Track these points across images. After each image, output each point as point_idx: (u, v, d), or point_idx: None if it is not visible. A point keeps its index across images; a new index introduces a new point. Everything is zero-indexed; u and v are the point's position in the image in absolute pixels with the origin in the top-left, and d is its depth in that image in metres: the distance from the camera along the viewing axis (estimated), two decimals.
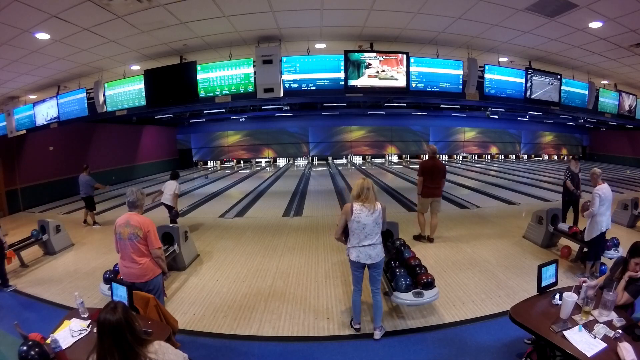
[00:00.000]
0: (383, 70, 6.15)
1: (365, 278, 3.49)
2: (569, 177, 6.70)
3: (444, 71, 6.50)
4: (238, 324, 3.74)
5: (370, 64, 6.09)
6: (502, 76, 6.91)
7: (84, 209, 8.42)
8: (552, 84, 7.36)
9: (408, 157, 24.22)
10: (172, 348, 1.92)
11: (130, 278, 3.15)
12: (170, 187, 6.86)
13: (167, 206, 6.95)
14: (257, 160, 23.39)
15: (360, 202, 3.30)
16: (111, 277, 3.88)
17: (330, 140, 23.22)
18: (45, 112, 8.12)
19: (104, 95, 7.18)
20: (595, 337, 2.32)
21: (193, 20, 5.15)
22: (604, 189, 4.47)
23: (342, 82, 6.15)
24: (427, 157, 6.30)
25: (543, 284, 2.92)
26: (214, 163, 23.46)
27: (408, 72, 6.24)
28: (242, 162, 23.50)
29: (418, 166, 6.28)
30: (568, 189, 6.68)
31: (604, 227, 4.47)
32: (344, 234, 3.47)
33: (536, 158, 25.58)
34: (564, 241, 5.72)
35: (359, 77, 6.10)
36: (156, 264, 3.24)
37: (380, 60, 6.14)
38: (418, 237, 6.35)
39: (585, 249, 4.84)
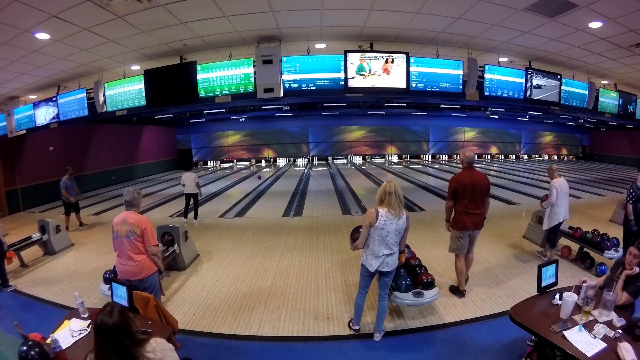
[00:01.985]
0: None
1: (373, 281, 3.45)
2: (632, 199, 4.99)
3: (444, 71, 6.50)
4: (238, 324, 3.74)
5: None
6: (502, 76, 6.91)
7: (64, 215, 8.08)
8: (550, 85, 7.36)
9: (408, 157, 24.25)
10: (167, 343, 1.92)
11: (126, 275, 3.16)
12: (190, 178, 7.99)
13: (191, 195, 8.07)
14: (256, 160, 23.37)
15: (385, 208, 3.05)
16: (111, 277, 3.88)
17: (330, 140, 23.23)
18: (45, 112, 8.12)
19: (104, 95, 7.18)
20: (595, 337, 2.32)
21: (193, 20, 5.15)
22: (559, 182, 5.02)
23: (342, 82, 6.15)
24: (461, 169, 4.16)
25: (543, 284, 2.92)
26: (214, 163, 23.46)
27: (408, 72, 6.24)
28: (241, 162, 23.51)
29: (448, 184, 4.19)
30: (628, 216, 5.05)
31: (561, 218, 5.01)
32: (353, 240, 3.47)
33: (537, 158, 25.57)
34: (564, 241, 5.72)
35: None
36: (152, 261, 3.25)
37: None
38: (455, 290, 4.28)
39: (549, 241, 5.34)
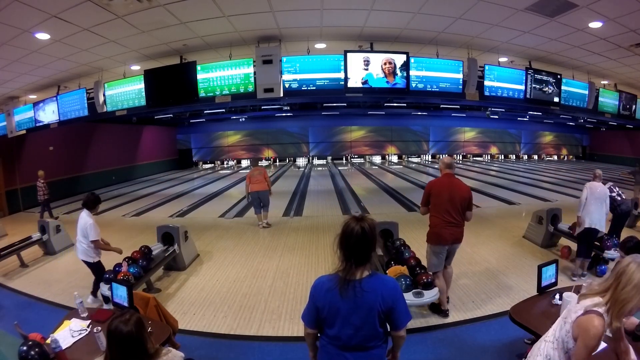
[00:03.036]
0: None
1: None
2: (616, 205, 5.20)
3: (445, 75, 6.50)
4: (238, 324, 3.74)
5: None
6: (502, 77, 6.90)
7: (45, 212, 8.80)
8: (552, 85, 7.36)
9: (407, 157, 24.24)
10: (178, 352, 1.90)
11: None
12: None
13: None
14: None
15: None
16: (111, 277, 3.87)
17: (330, 140, 23.22)
18: (45, 112, 8.12)
19: (104, 95, 7.18)
20: None
21: (193, 20, 5.15)
22: (593, 184, 4.64)
23: (342, 82, 6.15)
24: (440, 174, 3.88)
25: (543, 284, 2.92)
26: (217, 164, 23.42)
27: (408, 73, 6.24)
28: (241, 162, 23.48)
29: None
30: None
31: (588, 224, 4.54)
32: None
33: (537, 158, 25.55)
34: (564, 241, 5.72)
35: None
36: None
37: None
38: (437, 309, 3.84)
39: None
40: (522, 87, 7.04)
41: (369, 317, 1.64)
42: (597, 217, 4.56)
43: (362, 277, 1.66)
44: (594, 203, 4.55)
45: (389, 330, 1.76)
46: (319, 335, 1.83)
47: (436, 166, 20.66)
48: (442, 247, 3.68)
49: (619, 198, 5.39)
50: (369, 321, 1.64)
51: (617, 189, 5.50)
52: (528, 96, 7.10)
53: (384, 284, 1.69)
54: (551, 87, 7.36)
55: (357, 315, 1.64)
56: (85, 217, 4.01)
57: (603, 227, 4.60)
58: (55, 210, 10.24)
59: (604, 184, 5.23)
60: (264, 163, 23.10)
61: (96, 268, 4.16)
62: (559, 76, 7.45)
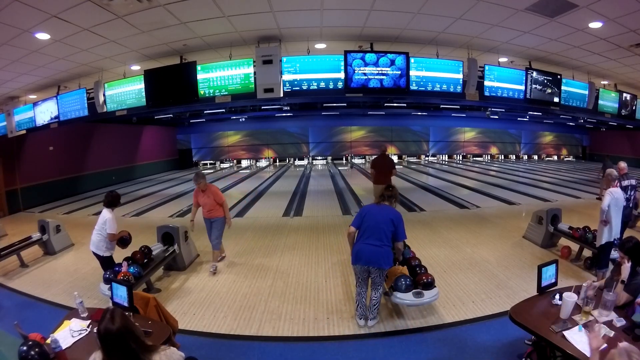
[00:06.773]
0: None
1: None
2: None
3: (444, 75, 6.50)
4: (238, 324, 3.74)
5: None
6: (502, 77, 6.90)
7: None
8: (551, 86, 7.36)
9: (406, 157, 24.23)
10: (177, 351, 1.89)
11: None
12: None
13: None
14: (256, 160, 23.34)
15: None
16: (111, 277, 3.87)
17: (330, 140, 23.21)
18: (45, 112, 8.11)
19: (104, 95, 7.18)
20: None
21: (193, 20, 5.15)
22: (616, 191, 4.27)
23: (342, 82, 6.15)
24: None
25: (543, 284, 2.92)
26: (218, 164, 23.41)
27: (408, 73, 6.24)
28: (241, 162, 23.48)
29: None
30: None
31: (612, 236, 4.24)
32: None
33: (537, 158, 25.54)
34: (564, 241, 5.72)
35: None
36: None
37: None
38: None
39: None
40: (522, 87, 7.04)
41: (386, 219, 3.47)
42: (618, 227, 4.32)
43: (385, 204, 3.62)
44: (616, 211, 4.25)
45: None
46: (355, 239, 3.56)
47: (436, 166, 20.76)
48: (376, 187, 7.00)
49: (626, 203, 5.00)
50: (386, 221, 3.46)
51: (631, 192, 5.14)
52: (528, 96, 7.09)
53: (396, 211, 3.60)
54: (551, 88, 7.37)
55: (380, 215, 3.49)
56: (105, 213, 4.16)
57: (619, 233, 4.36)
58: (56, 210, 10.27)
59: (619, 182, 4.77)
60: (263, 163, 23.11)
61: (104, 262, 4.23)
62: (559, 76, 7.45)
